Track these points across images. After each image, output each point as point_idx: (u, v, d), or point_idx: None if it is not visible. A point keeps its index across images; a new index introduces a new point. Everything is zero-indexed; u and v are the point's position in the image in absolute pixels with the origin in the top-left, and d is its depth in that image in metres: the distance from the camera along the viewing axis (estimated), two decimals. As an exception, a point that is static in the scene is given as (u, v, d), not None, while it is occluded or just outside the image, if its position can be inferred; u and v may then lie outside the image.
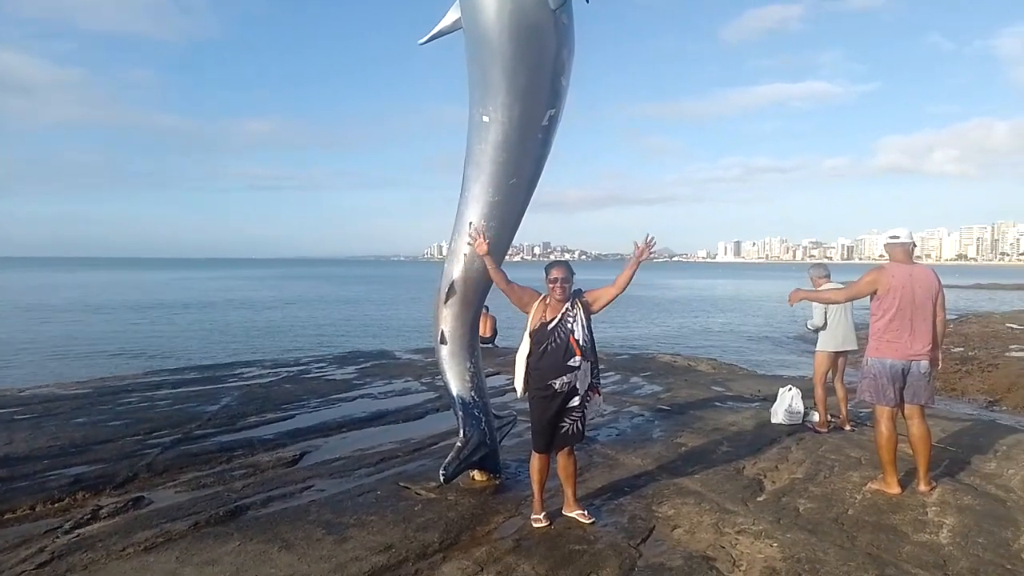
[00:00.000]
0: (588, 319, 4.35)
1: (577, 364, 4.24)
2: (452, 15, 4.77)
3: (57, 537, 4.13)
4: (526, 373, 4.35)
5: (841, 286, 6.32)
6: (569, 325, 4.27)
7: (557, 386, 4.23)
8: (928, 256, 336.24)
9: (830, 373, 7.23)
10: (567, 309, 4.32)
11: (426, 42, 4.95)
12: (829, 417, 7.26)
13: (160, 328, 27.76)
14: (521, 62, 4.45)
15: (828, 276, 7.36)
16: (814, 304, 6.96)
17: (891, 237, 5.34)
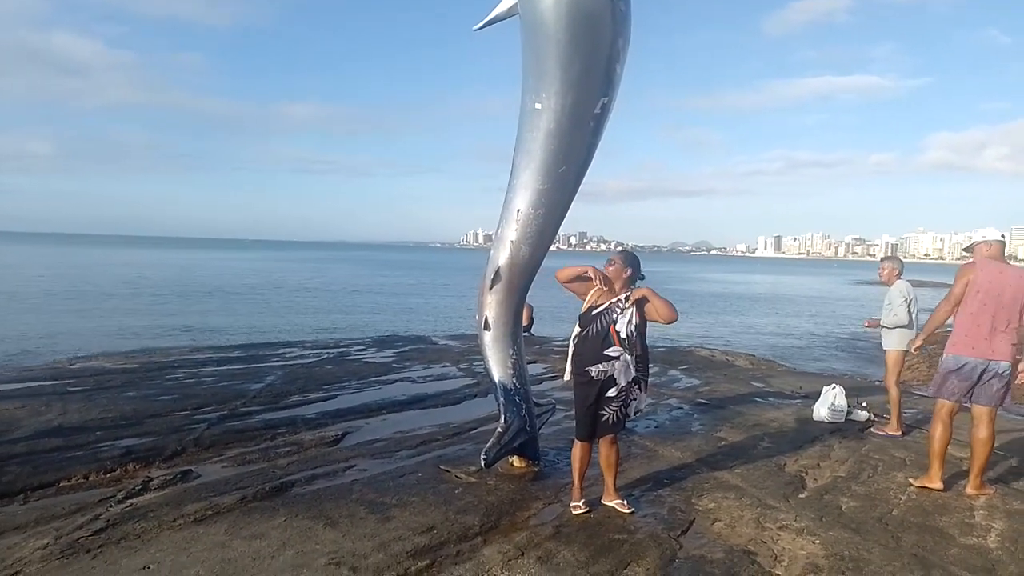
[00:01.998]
0: (642, 316, 4.30)
1: (616, 355, 4.22)
2: (508, 1, 4.75)
3: (111, 506, 4.26)
4: (572, 356, 4.38)
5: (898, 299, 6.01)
6: (614, 315, 4.25)
7: (594, 373, 4.25)
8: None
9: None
10: (618, 299, 4.30)
11: (481, 28, 4.94)
12: (873, 416, 7.13)
13: (203, 306, 28.33)
14: (576, 50, 4.42)
15: (902, 269, 6.93)
16: (895, 297, 6.64)
17: (983, 237, 5.20)
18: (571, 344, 4.42)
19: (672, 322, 4.26)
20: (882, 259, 7.16)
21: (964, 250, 5.44)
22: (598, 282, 4.37)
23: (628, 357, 4.25)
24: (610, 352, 4.23)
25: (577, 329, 4.39)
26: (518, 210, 4.88)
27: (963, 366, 4.96)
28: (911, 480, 5.21)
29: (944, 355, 5.10)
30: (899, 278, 6.81)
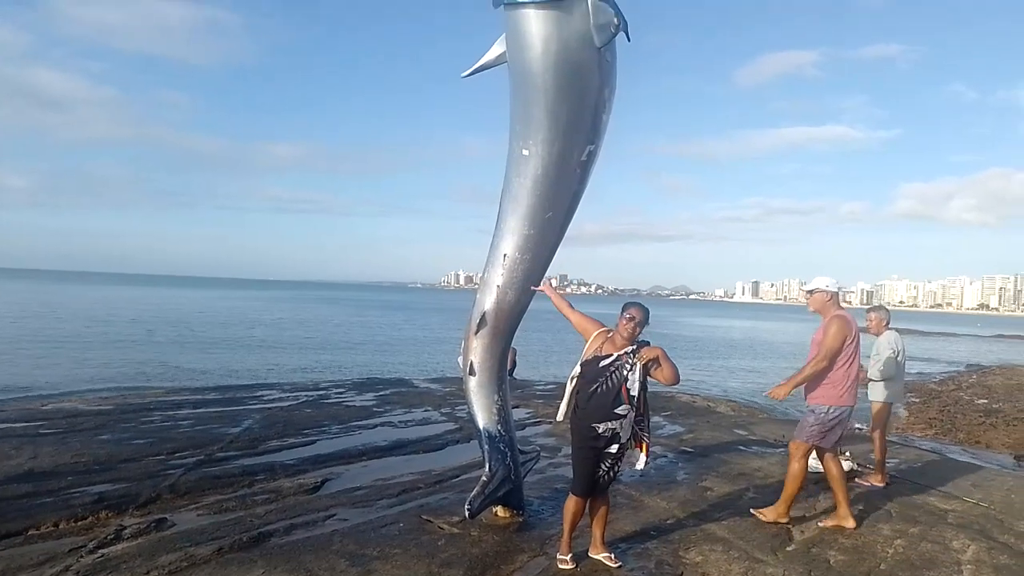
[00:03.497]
0: (646, 374, 4.23)
1: (624, 412, 4.14)
2: (497, 49, 4.81)
3: (81, 556, 4.11)
4: (572, 409, 4.28)
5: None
6: (624, 372, 4.14)
7: (601, 430, 4.13)
8: (949, 304, 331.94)
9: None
10: (626, 353, 4.19)
11: (469, 75, 4.99)
12: (856, 466, 7.11)
13: (180, 346, 27.90)
14: (564, 99, 4.48)
15: (889, 319, 6.89)
16: (882, 349, 6.64)
17: (828, 285, 5.44)
18: (570, 385, 4.30)
19: (673, 385, 4.24)
20: (869, 309, 7.06)
21: (807, 291, 5.59)
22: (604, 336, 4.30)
23: (632, 414, 4.20)
24: (619, 410, 4.14)
25: (579, 376, 4.25)
26: (504, 254, 4.88)
27: (846, 415, 5.31)
28: (828, 522, 5.38)
29: (827, 406, 5.23)
30: (887, 328, 6.81)
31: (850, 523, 5.30)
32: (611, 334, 4.28)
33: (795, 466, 5.34)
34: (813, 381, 5.28)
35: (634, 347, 4.20)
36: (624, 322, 4.20)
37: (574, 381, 4.27)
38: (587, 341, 4.35)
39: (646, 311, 4.35)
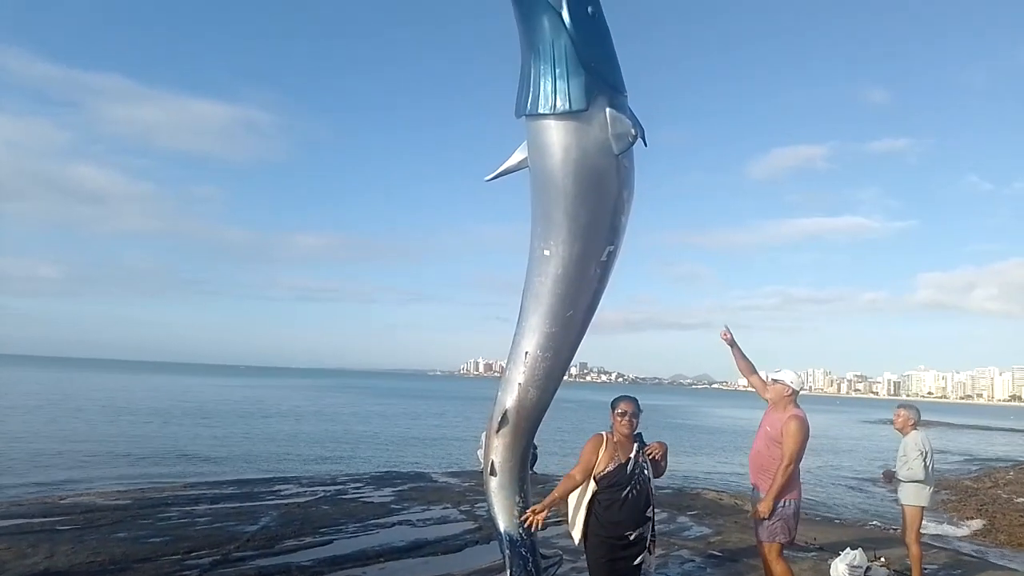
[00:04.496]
0: (655, 468, 4.20)
1: (651, 514, 4.08)
2: (519, 155, 4.99)
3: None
4: (592, 520, 4.15)
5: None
6: (646, 472, 4.11)
7: (632, 537, 4.04)
8: (980, 396, 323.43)
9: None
10: (637, 451, 4.16)
11: (492, 179, 5.16)
12: (893, 572, 6.82)
13: (198, 436, 27.81)
14: (583, 202, 4.60)
15: (918, 419, 6.70)
16: (910, 450, 6.46)
17: (792, 382, 5.49)
18: (584, 507, 4.17)
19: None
20: (899, 406, 6.90)
21: (772, 380, 5.59)
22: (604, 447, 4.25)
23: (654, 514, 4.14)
24: (649, 512, 4.08)
25: (601, 491, 4.11)
26: (526, 352, 4.91)
27: (799, 505, 5.37)
28: None
29: (785, 501, 5.24)
30: (915, 428, 6.61)
31: None
32: (613, 437, 4.24)
33: (778, 568, 5.31)
34: (767, 479, 5.24)
35: (638, 444, 4.20)
36: (620, 420, 4.20)
37: (588, 496, 4.16)
38: (596, 459, 4.22)
39: (637, 402, 4.37)
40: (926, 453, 6.48)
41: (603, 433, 4.33)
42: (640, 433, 4.34)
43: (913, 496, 6.48)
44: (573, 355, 5.18)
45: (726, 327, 6.05)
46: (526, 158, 4.96)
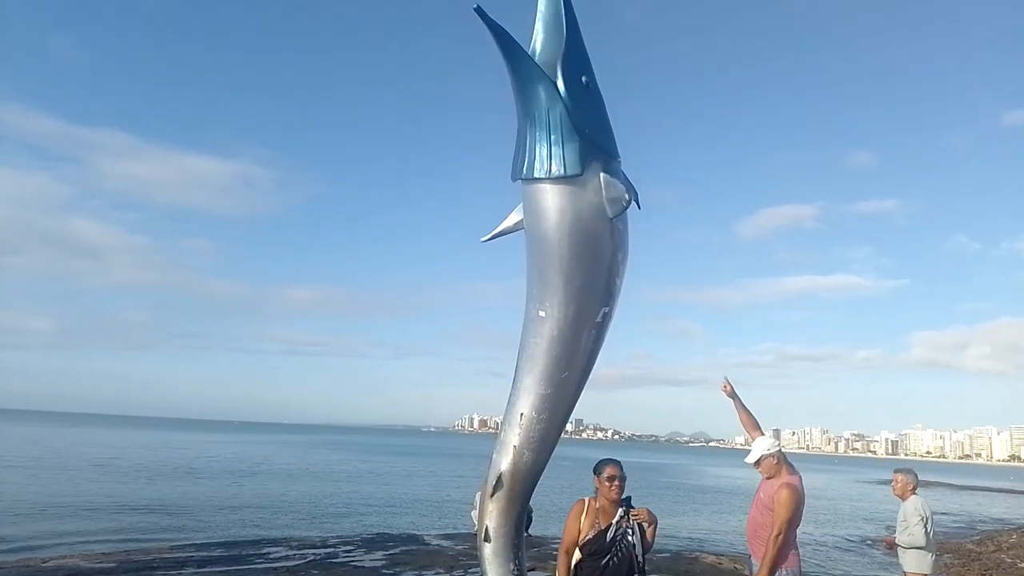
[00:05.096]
0: (643, 533, 4.13)
1: None
2: (514, 217, 5.05)
3: None
4: None
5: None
6: (629, 538, 4.05)
7: None
8: (979, 456, 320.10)
9: None
10: (621, 516, 4.12)
11: (488, 240, 5.22)
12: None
13: (186, 495, 27.26)
14: (578, 264, 4.64)
15: (916, 483, 6.68)
16: (910, 516, 6.39)
17: (770, 448, 5.38)
18: (563, 569, 4.11)
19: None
20: (896, 471, 6.86)
21: (754, 462, 5.48)
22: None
23: None
24: None
25: (584, 559, 4.07)
26: (521, 414, 4.86)
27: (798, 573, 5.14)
28: None
29: (784, 569, 5.07)
30: (914, 492, 6.56)
31: None
32: (596, 503, 4.18)
33: None
34: (763, 547, 5.13)
35: (624, 508, 4.13)
36: (607, 485, 4.14)
37: (572, 564, 4.10)
38: (578, 528, 4.15)
39: (621, 466, 4.32)
40: (927, 518, 6.39)
41: (585, 499, 4.27)
42: (628, 497, 4.28)
43: (915, 563, 6.38)
44: (569, 417, 5.13)
45: (726, 379, 5.98)
46: (522, 220, 5.03)
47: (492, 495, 4.93)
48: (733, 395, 5.93)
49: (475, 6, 3.89)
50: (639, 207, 5.05)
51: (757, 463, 5.44)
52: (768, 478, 5.38)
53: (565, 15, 4.34)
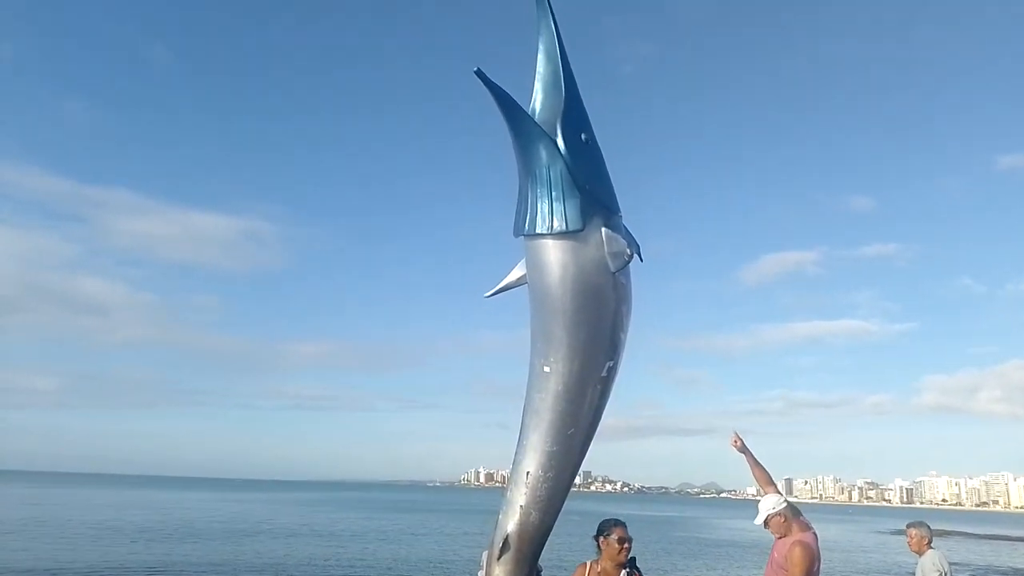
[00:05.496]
0: None
1: None
2: (517, 271, 5.06)
3: None
4: None
5: None
6: None
7: None
8: (996, 503, 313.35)
9: None
10: None
11: (492, 295, 5.22)
12: None
13: (187, 557, 26.72)
14: (582, 319, 4.62)
15: (931, 537, 6.55)
16: (928, 570, 6.23)
17: (775, 506, 5.24)
18: None
19: None
20: (909, 526, 6.72)
21: (762, 523, 5.34)
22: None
23: None
24: None
25: None
26: (527, 472, 4.78)
27: None
28: None
29: None
30: (930, 546, 6.40)
31: None
32: (598, 566, 4.07)
33: None
34: None
35: (628, 571, 4.03)
36: (617, 547, 4.03)
37: None
38: None
39: (625, 525, 4.22)
40: (945, 572, 6.23)
41: (586, 563, 4.16)
42: (633, 557, 4.15)
43: None
44: (576, 474, 5.05)
45: (735, 433, 5.83)
46: (525, 275, 5.03)
47: (499, 557, 4.82)
48: (744, 450, 5.79)
49: (475, 69, 3.98)
50: (641, 260, 5.06)
51: (765, 523, 5.29)
52: (780, 537, 5.24)
53: (563, 75, 4.42)
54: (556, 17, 4.45)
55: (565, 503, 4.86)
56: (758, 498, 5.90)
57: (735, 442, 5.75)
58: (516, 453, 4.93)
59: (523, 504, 4.79)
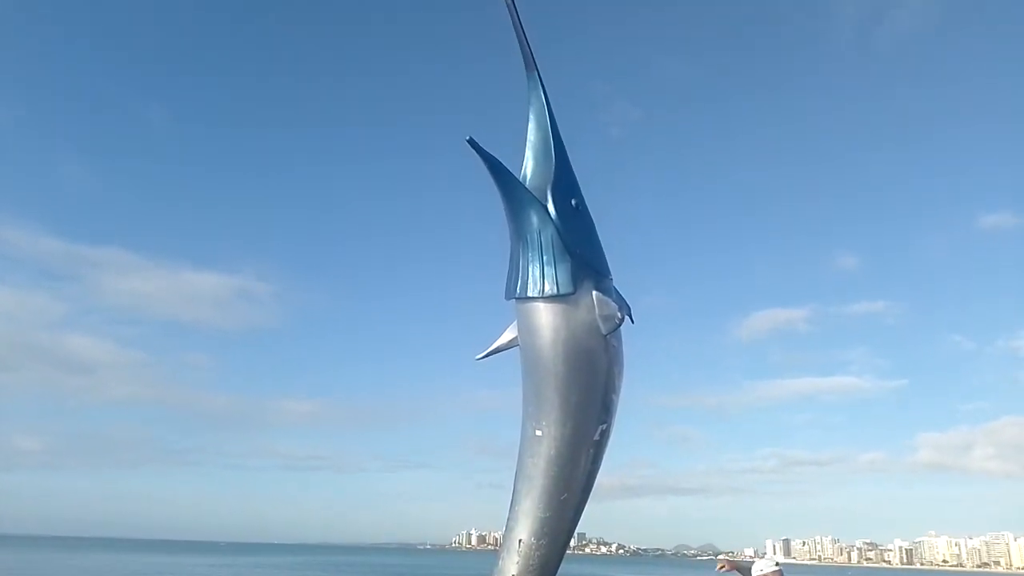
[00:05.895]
0: None
1: None
2: (509, 334, 5.08)
3: None
4: None
5: None
6: None
7: None
8: (997, 564, 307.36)
9: None
10: None
11: (483, 357, 5.22)
12: None
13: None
14: (574, 382, 4.63)
15: None
16: None
17: (763, 570, 5.55)
18: None
19: None
20: None
21: None
22: None
23: None
24: None
25: None
26: (520, 540, 4.71)
27: None
28: None
29: None
30: None
31: None
32: None
33: None
34: None
35: None
36: None
37: None
38: None
39: None
40: None
41: None
42: None
43: None
44: (569, 541, 4.98)
45: (723, 559, 5.96)
46: (516, 338, 5.05)
47: (491, 629, 4.71)
48: (736, 570, 5.88)
49: (468, 138, 4.10)
50: (632, 322, 5.09)
51: None
52: None
53: (553, 143, 4.56)
54: (546, 87, 4.61)
55: (561, 566, 4.77)
56: (757, 559, 5.87)
57: (722, 567, 5.90)
58: (508, 520, 4.86)
59: (515, 573, 4.69)
